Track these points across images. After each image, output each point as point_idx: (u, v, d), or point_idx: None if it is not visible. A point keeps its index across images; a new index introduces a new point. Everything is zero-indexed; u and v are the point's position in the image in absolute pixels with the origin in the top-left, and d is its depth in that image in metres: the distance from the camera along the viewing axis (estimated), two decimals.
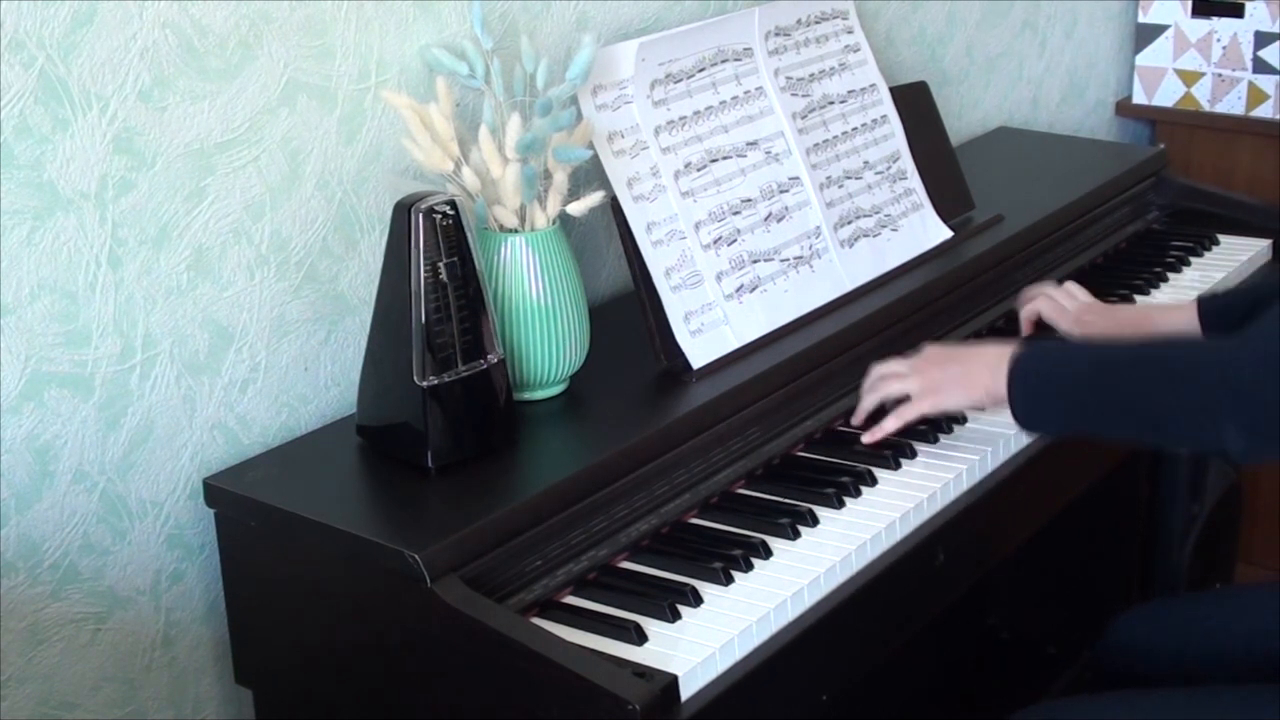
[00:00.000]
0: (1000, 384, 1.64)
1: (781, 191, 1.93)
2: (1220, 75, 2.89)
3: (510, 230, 1.65)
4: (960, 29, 2.63)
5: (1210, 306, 1.90)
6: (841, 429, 1.82)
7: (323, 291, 1.71)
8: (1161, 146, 2.67)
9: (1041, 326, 2.01)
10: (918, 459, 1.74)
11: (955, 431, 1.79)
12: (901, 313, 1.96)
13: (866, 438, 1.75)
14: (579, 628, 1.44)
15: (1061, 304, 1.98)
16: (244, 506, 1.56)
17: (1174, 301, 1.97)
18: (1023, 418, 1.64)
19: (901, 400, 1.75)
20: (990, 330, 2.09)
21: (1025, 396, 1.63)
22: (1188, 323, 1.90)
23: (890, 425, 1.73)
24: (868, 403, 1.78)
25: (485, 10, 1.73)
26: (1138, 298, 2.20)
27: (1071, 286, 2.02)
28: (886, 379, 1.77)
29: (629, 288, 1.82)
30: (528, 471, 1.59)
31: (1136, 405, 1.55)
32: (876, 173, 2.08)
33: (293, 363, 1.70)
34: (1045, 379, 1.64)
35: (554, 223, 1.67)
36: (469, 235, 1.54)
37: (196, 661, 1.69)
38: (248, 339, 1.65)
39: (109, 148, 1.49)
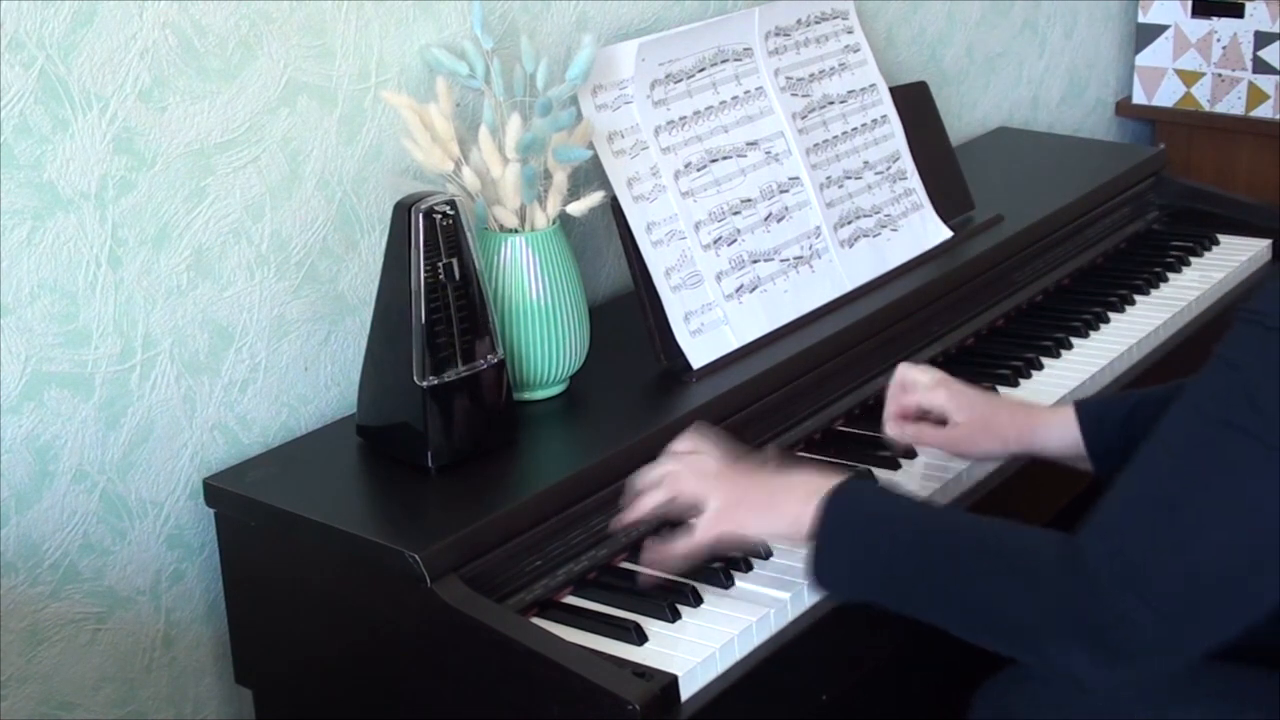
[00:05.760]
0: (808, 515, 1.39)
1: (781, 191, 1.93)
2: (1220, 75, 2.89)
3: (510, 230, 1.65)
4: (960, 29, 2.63)
5: (1089, 413, 1.62)
6: (842, 429, 1.82)
7: (323, 291, 1.71)
8: (1161, 146, 2.67)
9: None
10: (918, 458, 1.74)
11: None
12: (901, 313, 1.96)
13: (647, 562, 1.48)
14: (579, 628, 1.43)
15: (913, 389, 1.69)
16: (244, 506, 1.56)
17: (1055, 406, 1.71)
18: (816, 567, 1.39)
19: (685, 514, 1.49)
20: (991, 330, 2.09)
21: (831, 549, 1.38)
22: (1066, 428, 1.62)
23: (681, 550, 1.45)
24: (651, 502, 1.49)
25: (485, 10, 1.73)
26: (1137, 298, 2.20)
27: (911, 375, 1.70)
28: (680, 475, 1.49)
29: (629, 288, 1.82)
30: (528, 471, 1.59)
31: (967, 608, 1.32)
32: (876, 173, 2.07)
33: (293, 363, 1.70)
34: (861, 535, 1.38)
35: (554, 223, 1.67)
36: (469, 235, 1.54)
37: (196, 661, 1.69)
38: (248, 339, 1.65)
39: (109, 148, 1.49)
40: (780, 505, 1.43)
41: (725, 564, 1.52)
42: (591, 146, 1.69)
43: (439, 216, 1.52)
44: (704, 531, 1.46)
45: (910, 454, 1.74)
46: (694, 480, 1.48)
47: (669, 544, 1.47)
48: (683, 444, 1.54)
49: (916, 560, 1.35)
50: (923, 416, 1.70)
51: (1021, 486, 1.77)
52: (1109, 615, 1.22)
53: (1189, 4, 2.89)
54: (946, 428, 1.67)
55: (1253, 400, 1.21)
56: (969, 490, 1.71)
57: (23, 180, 1.44)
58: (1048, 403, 1.83)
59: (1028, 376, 1.96)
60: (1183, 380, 1.36)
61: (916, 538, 1.36)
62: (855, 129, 2.07)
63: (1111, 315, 2.14)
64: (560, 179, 1.65)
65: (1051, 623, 1.26)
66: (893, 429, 1.69)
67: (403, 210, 1.52)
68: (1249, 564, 1.22)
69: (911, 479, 1.70)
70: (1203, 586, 1.22)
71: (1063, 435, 1.63)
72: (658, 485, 1.50)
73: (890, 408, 1.70)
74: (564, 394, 1.72)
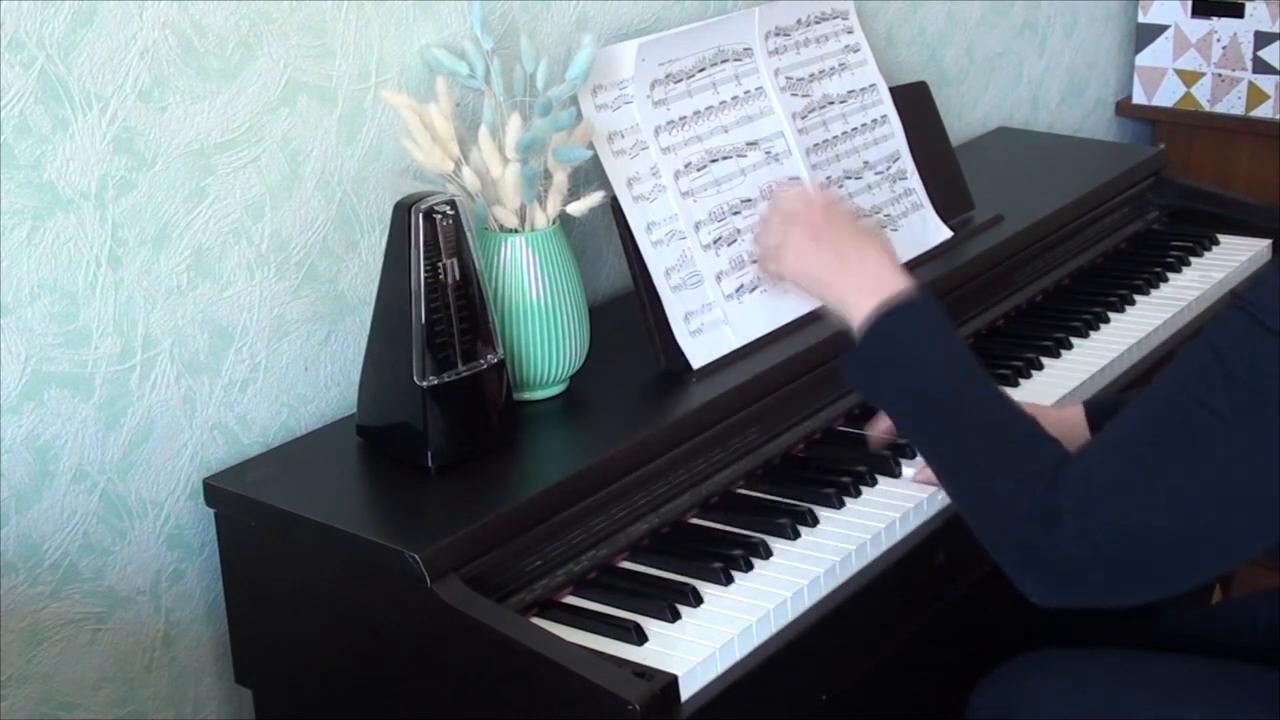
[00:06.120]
0: (861, 312, 1.44)
1: None
2: (1220, 75, 2.89)
3: (510, 230, 1.65)
4: (960, 29, 2.63)
5: (1098, 412, 1.68)
6: (842, 429, 1.82)
7: (323, 291, 1.71)
8: (1161, 147, 2.67)
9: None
10: (918, 459, 1.74)
11: None
12: None
13: (872, 434, 1.69)
14: (579, 628, 1.44)
15: None
16: (244, 506, 1.56)
17: (1060, 406, 1.78)
18: (851, 368, 1.46)
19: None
20: (991, 330, 2.09)
21: (872, 362, 1.44)
22: (1075, 428, 1.67)
23: (768, 257, 1.61)
24: (761, 226, 1.65)
25: (485, 10, 1.73)
26: (1137, 298, 2.20)
27: None
28: (771, 222, 1.61)
29: (629, 288, 1.82)
30: (528, 471, 1.59)
31: (968, 476, 1.39)
32: (876, 173, 2.07)
33: (293, 363, 1.70)
34: (900, 358, 1.43)
35: (554, 223, 1.67)
36: (469, 235, 1.54)
37: (196, 661, 1.69)
38: (248, 339, 1.65)
39: (109, 148, 1.49)
40: (840, 283, 1.49)
41: (725, 564, 1.52)
42: (591, 146, 1.69)
43: (439, 216, 1.52)
44: (777, 266, 1.59)
45: (899, 462, 1.73)
46: (779, 225, 1.60)
47: (766, 249, 1.61)
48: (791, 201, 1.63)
49: (938, 411, 1.41)
50: None
51: None
52: (1058, 545, 1.30)
53: (1189, 4, 2.89)
54: None
55: (1230, 386, 1.26)
56: None
57: (23, 180, 1.44)
58: (1048, 403, 1.84)
59: (1028, 376, 1.96)
60: None
61: (947, 391, 1.41)
62: (855, 129, 2.07)
63: (1111, 315, 2.14)
64: (560, 179, 1.65)
65: (1014, 535, 1.33)
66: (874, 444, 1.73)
67: (403, 210, 1.52)
68: (1198, 532, 1.28)
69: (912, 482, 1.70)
70: (1147, 542, 1.28)
71: (1071, 435, 1.64)
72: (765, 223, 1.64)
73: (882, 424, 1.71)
74: (564, 394, 1.72)
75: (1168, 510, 1.27)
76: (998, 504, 1.35)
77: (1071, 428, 1.66)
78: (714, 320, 1.79)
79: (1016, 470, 1.34)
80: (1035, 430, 1.38)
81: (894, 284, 1.46)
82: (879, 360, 1.45)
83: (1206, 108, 2.92)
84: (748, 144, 1.91)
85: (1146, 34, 2.95)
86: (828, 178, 1.99)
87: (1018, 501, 1.32)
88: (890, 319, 1.43)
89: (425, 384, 1.53)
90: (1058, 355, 2.02)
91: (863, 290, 1.46)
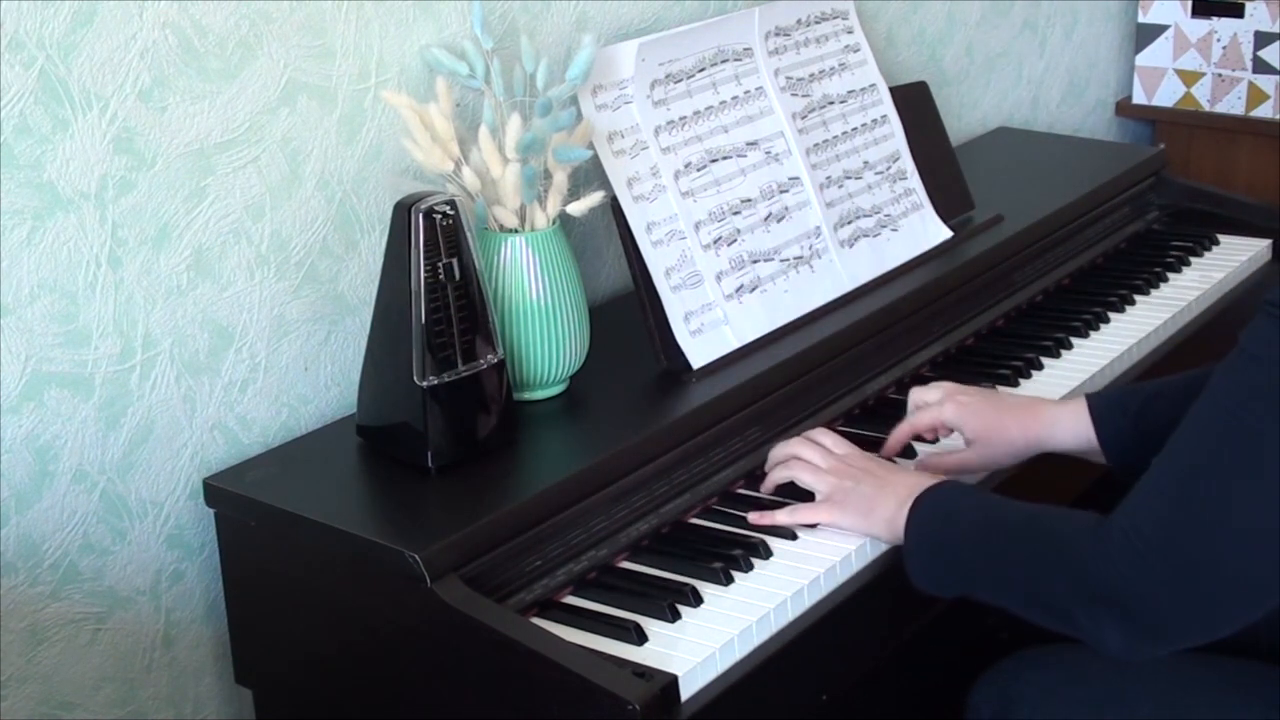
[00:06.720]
0: (900, 523, 1.51)
1: (781, 191, 1.93)
2: (1220, 75, 2.89)
3: (510, 230, 1.65)
4: (960, 29, 2.63)
5: (1101, 407, 1.66)
6: (841, 429, 1.82)
7: (323, 291, 1.71)
8: (1161, 147, 2.67)
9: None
10: (918, 458, 1.74)
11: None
12: (901, 313, 1.96)
13: (754, 518, 1.61)
14: (579, 628, 1.44)
15: (929, 400, 1.74)
16: (244, 506, 1.56)
17: (1063, 401, 1.75)
18: (915, 574, 1.49)
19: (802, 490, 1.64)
20: (991, 330, 2.09)
21: (918, 549, 1.49)
22: (1078, 422, 1.66)
23: (782, 519, 1.59)
24: (776, 478, 1.65)
25: (485, 10, 1.73)
26: (1137, 298, 2.20)
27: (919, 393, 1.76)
28: (802, 466, 1.63)
29: (629, 288, 1.82)
30: (528, 471, 1.59)
31: (1020, 585, 1.41)
32: (876, 173, 2.07)
33: (293, 363, 1.70)
34: (938, 533, 1.49)
35: (554, 223, 1.67)
36: (469, 235, 1.54)
37: (196, 661, 1.69)
38: (248, 339, 1.65)
39: (109, 148, 1.49)
40: (877, 511, 1.55)
41: (725, 564, 1.52)
42: (591, 146, 1.69)
43: (439, 216, 1.52)
44: (808, 516, 1.59)
45: (897, 462, 1.74)
46: (810, 474, 1.62)
47: (774, 511, 1.60)
48: (817, 434, 1.67)
49: (980, 551, 1.45)
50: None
51: (1016, 490, 1.77)
52: (1125, 587, 1.30)
53: (1189, 4, 2.89)
54: (960, 450, 1.71)
55: (1269, 393, 1.23)
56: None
57: (23, 180, 1.44)
58: None
59: (1028, 376, 1.96)
60: (1199, 370, 1.39)
61: (980, 531, 1.46)
62: (855, 129, 2.07)
63: (1111, 315, 2.14)
64: (560, 179, 1.65)
65: (1077, 592, 1.33)
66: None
67: (403, 210, 1.52)
68: (1254, 554, 1.26)
69: None
70: (1206, 569, 1.27)
71: (1074, 430, 1.67)
72: (784, 465, 1.64)
73: (903, 430, 1.74)
74: (564, 394, 1.72)
75: (1222, 536, 1.26)
76: (1055, 585, 1.36)
77: (1077, 423, 1.66)
78: (714, 320, 1.79)
79: (1060, 550, 1.36)
80: (1064, 511, 1.41)
81: (919, 485, 1.53)
82: (926, 545, 1.49)
83: (1206, 108, 2.92)
84: (748, 144, 1.91)
85: (1146, 34, 2.95)
86: (827, 177, 1.99)
87: (1071, 567, 1.34)
88: (922, 506, 1.50)
89: (425, 384, 1.53)
90: (1058, 355, 2.02)
91: (900, 503, 1.53)
